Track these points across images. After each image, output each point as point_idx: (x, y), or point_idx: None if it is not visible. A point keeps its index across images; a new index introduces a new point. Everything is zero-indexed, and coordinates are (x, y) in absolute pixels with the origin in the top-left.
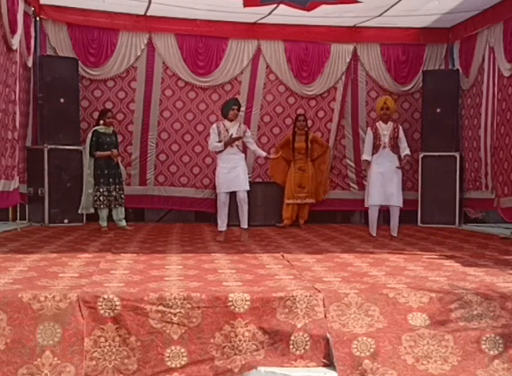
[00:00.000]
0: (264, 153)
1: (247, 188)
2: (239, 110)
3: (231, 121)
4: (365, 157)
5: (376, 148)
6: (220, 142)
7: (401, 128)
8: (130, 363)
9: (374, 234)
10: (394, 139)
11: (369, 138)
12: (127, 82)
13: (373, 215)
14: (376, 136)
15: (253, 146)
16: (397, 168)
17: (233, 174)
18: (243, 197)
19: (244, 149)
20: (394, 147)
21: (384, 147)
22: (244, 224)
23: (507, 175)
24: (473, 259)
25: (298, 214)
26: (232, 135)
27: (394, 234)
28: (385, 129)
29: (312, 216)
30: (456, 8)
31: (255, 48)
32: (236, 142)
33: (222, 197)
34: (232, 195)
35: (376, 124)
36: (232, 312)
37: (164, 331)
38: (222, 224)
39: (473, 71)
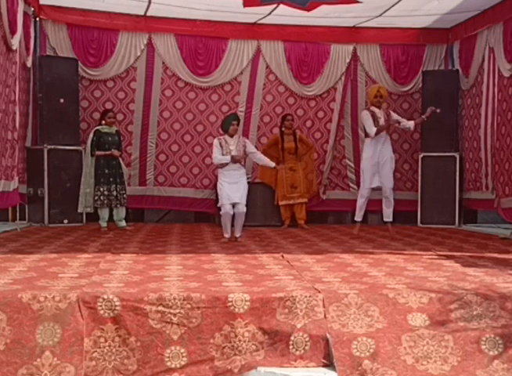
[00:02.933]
0: (272, 164)
1: (244, 204)
2: (238, 124)
3: (231, 136)
4: (373, 128)
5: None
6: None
7: (392, 111)
8: (130, 364)
9: (359, 219)
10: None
11: (367, 116)
12: (126, 82)
13: (362, 201)
14: (374, 119)
15: (258, 156)
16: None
17: (235, 187)
18: (242, 211)
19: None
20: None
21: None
22: (238, 232)
23: (508, 176)
24: (472, 259)
25: (296, 215)
26: (232, 154)
27: (387, 219)
28: (379, 114)
29: (311, 216)
30: (456, 8)
31: (255, 48)
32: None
33: (227, 208)
34: None
35: (371, 108)
36: (232, 313)
37: (164, 332)
38: (227, 232)
39: (473, 71)
